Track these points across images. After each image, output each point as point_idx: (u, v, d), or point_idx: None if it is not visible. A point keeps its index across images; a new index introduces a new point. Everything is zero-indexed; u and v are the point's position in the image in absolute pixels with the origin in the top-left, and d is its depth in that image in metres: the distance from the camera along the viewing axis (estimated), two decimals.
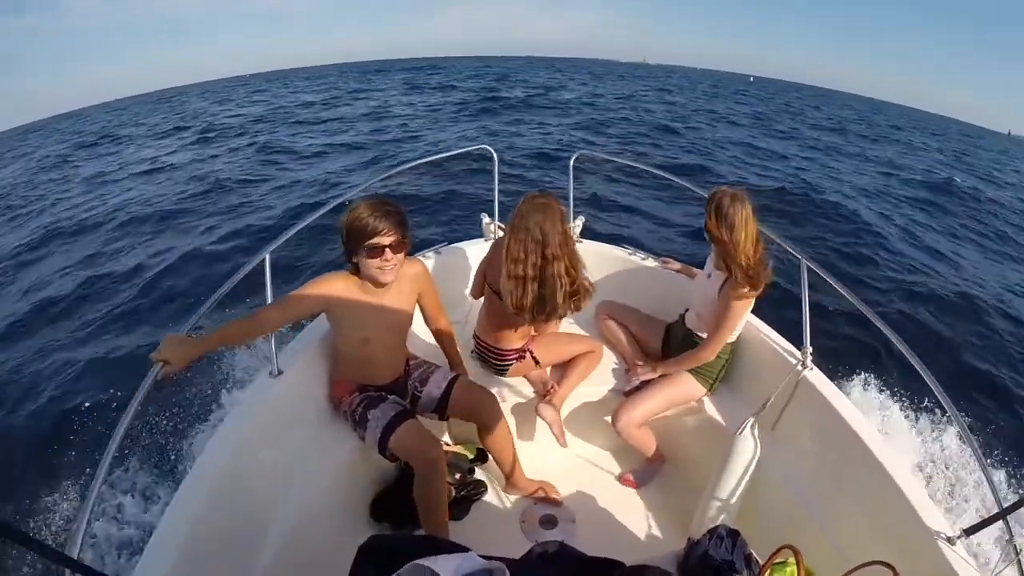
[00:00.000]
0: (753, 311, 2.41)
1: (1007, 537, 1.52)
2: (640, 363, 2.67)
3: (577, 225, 3.33)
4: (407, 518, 2.25)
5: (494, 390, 2.53)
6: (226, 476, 1.75)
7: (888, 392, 4.50)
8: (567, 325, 3.06)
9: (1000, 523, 1.54)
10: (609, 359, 2.85)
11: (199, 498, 1.64)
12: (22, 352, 5.74)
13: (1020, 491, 3.84)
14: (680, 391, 2.52)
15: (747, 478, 2.12)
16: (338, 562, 1.15)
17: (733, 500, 2.14)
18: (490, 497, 2.60)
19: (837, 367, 4.48)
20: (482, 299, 2.65)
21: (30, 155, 23.45)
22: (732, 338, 2.43)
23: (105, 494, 3.32)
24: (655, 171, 3.62)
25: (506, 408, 2.64)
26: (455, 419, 2.50)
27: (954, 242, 10.05)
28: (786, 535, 1.47)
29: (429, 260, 3.14)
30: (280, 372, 2.12)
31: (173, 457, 3.86)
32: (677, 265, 3.09)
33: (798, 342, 2.35)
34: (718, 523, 1.89)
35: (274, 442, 2.02)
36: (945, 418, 4.00)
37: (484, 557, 0.99)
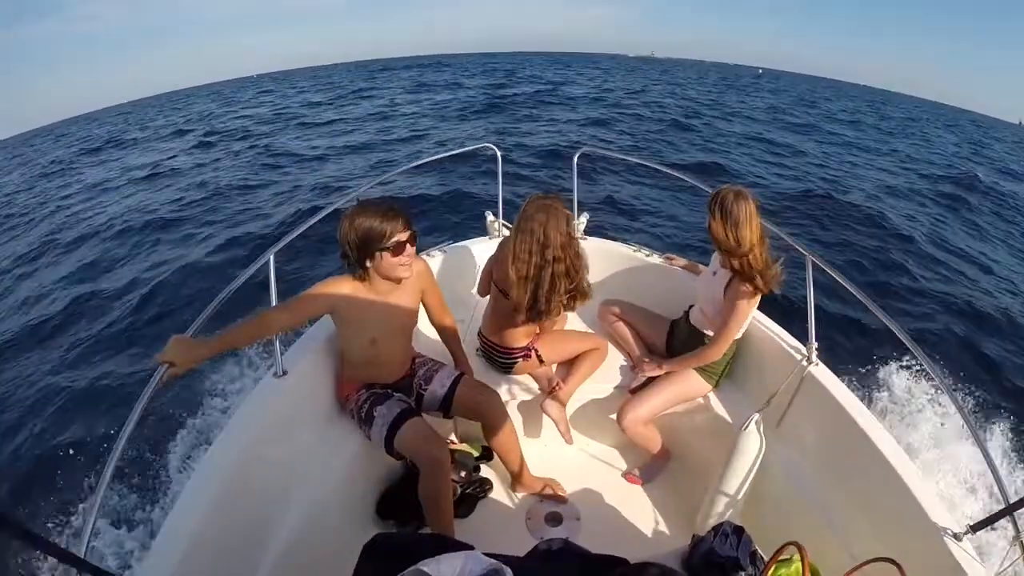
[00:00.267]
0: (758, 307, 2.38)
1: (1014, 534, 1.51)
2: (646, 360, 2.66)
3: (581, 222, 3.31)
4: (413, 516, 2.27)
5: (499, 388, 2.56)
6: (232, 475, 1.75)
7: (894, 387, 4.46)
8: (572, 323, 3.07)
9: (1007, 519, 1.51)
10: (614, 356, 2.84)
11: (205, 497, 1.64)
12: (14, 367, 5.72)
13: None
14: (685, 388, 2.51)
15: (752, 474, 2.12)
16: (344, 560, 1.15)
17: (738, 497, 2.13)
18: (496, 495, 2.60)
19: (843, 363, 4.44)
20: (487, 298, 2.67)
21: (34, 161, 23.58)
22: (738, 335, 2.41)
23: (111, 495, 3.34)
24: (659, 167, 3.61)
25: (512, 406, 2.66)
26: (460, 417, 2.50)
27: (983, 243, 9.75)
28: (791, 531, 1.46)
29: (434, 259, 3.15)
30: (285, 372, 2.12)
31: (179, 458, 3.87)
32: (682, 262, 3.09)
33: (803, 338, 2.34)
34: (723, 520, 1.90)
35: (280, 442, 2.03)
36: (952, 413, 3.97)
37: (488, 555, 0.99)
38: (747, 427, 2.09)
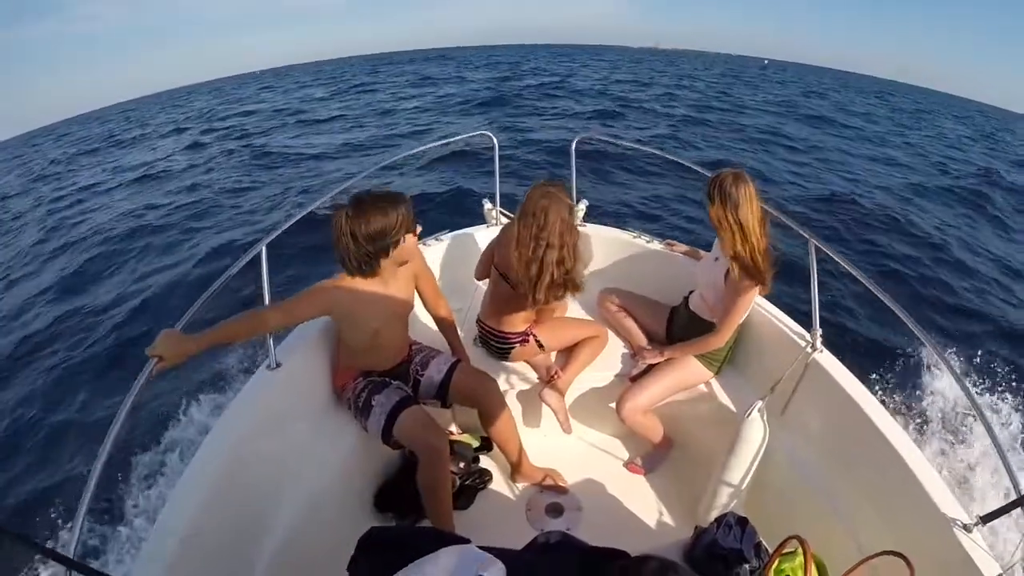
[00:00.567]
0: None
1: None
2: (646, 347, 2.65)
3: (581, 209, 3.27)
4: (411, 508, 2.26)
5: (498, 377, 2.52)
6: (226, 470, 1.73)
7: (902, 374, 4.37)
8: (572, 311, 3.01)
9: (1019, 510, 1.47)
10: (614, 344, 2.80)
11: (198, 493, 1.62)
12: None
13: None
14: (685, 375, 2.48)
15: (756, 464, 2.08)
16: (342, 555, 1.13)
17: (742, 486, 2.10)
18: (495, 486, 2.58)
19: (848, 349, 4.38)
20: (486, 285, 2.65)
21: (33, 162, 23.40)
22: (740, 321, 2.37)
23: (101, 492, 3.18)
24: (657, 152, 3.63)
25: (510, 395, 2.63)
26: (459, 407, 2.50)
27: (1011, 244, 9.27)
28: (796, 522, 1.48)
29: (432, 248, 3.14)
30: (278, 365, 2.09)
31: (171, 453, 3.83)
32: (683, 247, 3.05)
33: (807, 323, 2.30)
34: (726, 511, 1.85)
35: (275, 435, 2.00)
36: (962, 400, 3.87)
37: (485, 549, 0.98)
38: (750, 415, 2.04)
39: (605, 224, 3.47)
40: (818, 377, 2.16)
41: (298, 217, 2.63)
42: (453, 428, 2.72)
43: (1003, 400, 4.25)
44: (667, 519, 2.42)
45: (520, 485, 2.57)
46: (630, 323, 2.79)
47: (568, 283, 2.29)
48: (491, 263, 2.55)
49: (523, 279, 2.27)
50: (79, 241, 9.49)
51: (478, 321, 2.68)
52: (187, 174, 13.36)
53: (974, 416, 1.86)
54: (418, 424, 2.10)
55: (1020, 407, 4.21)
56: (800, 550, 1.29)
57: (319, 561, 1.81)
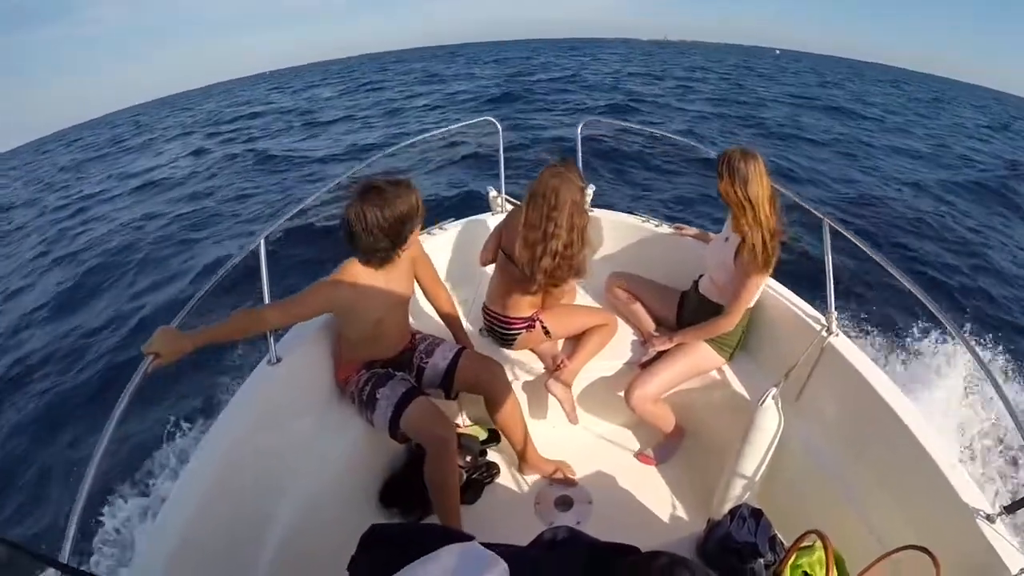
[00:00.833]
0: (773, 274, 2.27)
1: None
2: (655, 333, 2.60)
3: (588, 194, 3.14)
4: (418, 503, 2.24)
5: (503, 367, 2.45)
6: (227, 468, 1.70)
7: (920, 358, 4.21)
8: (580, 298, 2.98)
9: None
10: (623, 331, 2.73)
11: (199, 491, 1.59)
12: None
13: None
14: (696, 361, 2.42)
15: (770, 453, 2.00)
16: (347, 552, 1.11)
17: (756, 477, 2.03)
18: (503, 479, 2.53)
19: (865, 332, 4.32)
20: (491, 273, 2.60)
21: (40, 170, 23.46)
22: (750, 303, 2.30)
23: (96, 493, 3.11)
24: (664, 134, 3.67)
25: (516, 386, 2.56)
26: (465, 396, 2.46)
27: None
28: (812, 514, 1.49)
29: (436, 237, 3.12)
30: (279, 359, 2.05)
31: (170, 450, 3.79)
32: (692, 231, 2.99)
33: (822, 307, 2.24)
34: (740, 502, 1.81)
35: (276, 430, 1.97)
36: (983, 385, 3.75)
37: (488, 545, 0.96)
38: (764, 402, 1.96)
39: (612, 209, 3.40)
40: (834, 362, 2.09)
41: (297, 209, 2.62)
42: (459, 420, 2.68)
43: None
44: (679, 511, 2.37)
45: (528, 478, 2.51)
46: (639, 309, 2.73)
47: (573, 266, 2.24)
48: (497, 247, 2.50)
49: (528, 260, 2.23)
50: (77, 253, 9.28)
51: (484, 309, 2.61)
52: (190, 181, 13.03)
53: (999, 400, 1.64)
54: (426, 415, 2.07)
55: None
56: (818, 544, 1.26)
57: (323, 558, 1.74)
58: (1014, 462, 3.34)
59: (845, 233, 2.21)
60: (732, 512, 1.62)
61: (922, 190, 10.33)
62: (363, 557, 1.08)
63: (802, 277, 2.60)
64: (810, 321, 2.24)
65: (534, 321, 2.50)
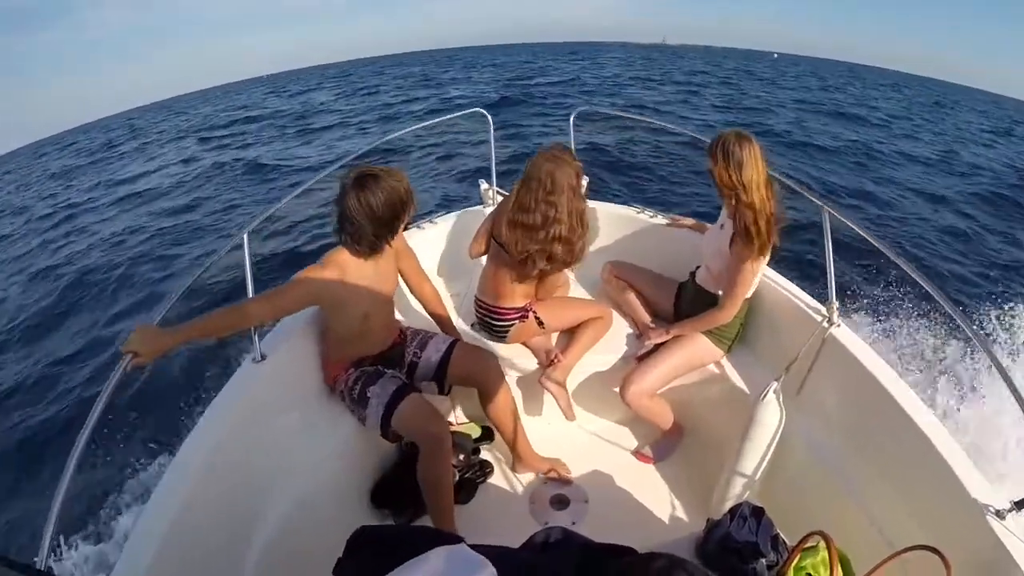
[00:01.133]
0: (770, 263, 2.21)
1: None
2: (651, 326, 2.54)
3: (583, 182, 3.14)
4: (410, 504, 2.19)
5: None
6: (212, 466, 1.65)
7: (924, 348, 4.18)
8: (574, 290, 2.95)
9: None
10: (619, 325, 2.68)
11: (181, 493, 1.55)
12: None
13: None
14: (693, 354, 2.35)
15: (771, 449, 1.95)
16: (336, 553, 1.08)
17: (757, 474, 1.98)
18: (497, 478, 2.47)
19: (867, 323, 4.28)
20: (483, 266, 2.53)
21: (31, 175, 23.21)
22: (748, 293, 2.24)
23: (74, 497, 3.16)
24: (658, 123, 3.64)
25: (509, 381, 2.47)
26: (457, 393, 2.42)
27: None
28: (816, 511, 1.50)
29: (426, 230, 3.07)
30: (263, 357, 1.99)
31: (152, 452, 3.71)
32: (689, 222, 2.91)
33: (822, 297, 2.17)
34: (741, 500, 1.77)
35: (262, 430, 1.91)
36: (990, 376, 3.70)
37: (480, 547, 0.92)
38: (764, 397, 1.92)
39: (607, 200, 3.36)
40: (836, 353, 2.03)
41: (278, 206, 2.59)
42: (452, 418, 2.64)
43: None
44: (678, 510, 2.32)
45: (523, 477, 2.46)
46: (636, 298, 2.67)
47: (574, 251, 2.21)
48: (488, 238, 2.44)
49: (515, 242, 2.19)
50: (56, 267, 8.85)
51: (475, 300, 2.56)
52: (176, 192, 12.51)
53: (1007, 390, 1.52)
54: (418, 412, 2.03)
55: None
56: (822, 545, 1.23)
57: (312, 560, 1.67)
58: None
59: (846, 221, 2.15)
60: (732, 511, 1.57)
61: (941, 202, 9.87)
62: (350, 560, 1.05)
63: (801, 266, 2.59)
64: (811, 312, 2.18)
65: (527, 312, 2.44)
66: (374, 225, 1.92)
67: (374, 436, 2.09)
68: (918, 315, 4.47)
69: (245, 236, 2.16)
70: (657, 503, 2.34)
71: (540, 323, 2.46)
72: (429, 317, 2.51)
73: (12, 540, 3.44)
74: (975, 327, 1.65)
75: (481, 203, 3.31)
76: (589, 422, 2.70)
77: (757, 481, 2.01)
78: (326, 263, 1.97)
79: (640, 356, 2.46)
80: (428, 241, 3.04)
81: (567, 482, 2.42)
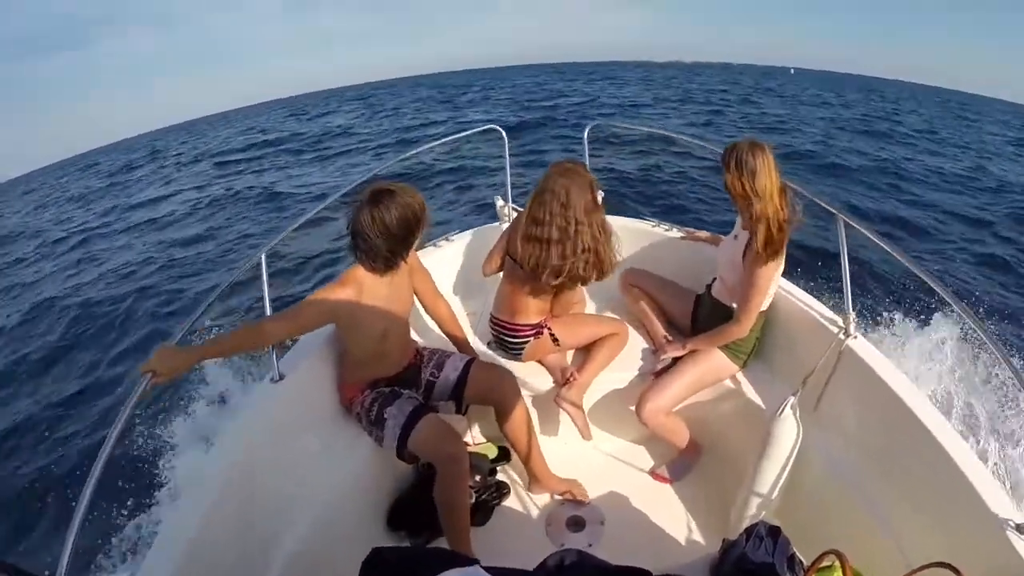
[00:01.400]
0: (785, 274, 2.19)
1: None
2: (668, 340, 2.51)
3: (598, 196, 3.13)
4: (426, 526, 2.19)
5: None
6: (230, 488, 1.67)
7: (944, 359, 4.04)
8: (591, 308, 2.92)
9: None
10: (635, 341, 2.65)
11: (201, 512, 1.56)
12: None
13: None
14: (708, 370, 2.32)
15: (788, 467, 1.91)
16: (352, 574, 1.05)
17: (774, 492, 1.93)
18: (513, 500, 2.45)
19: (885, 335, 4.21)
20: (497, 284, 2.53)
21: (50, 196, 23.74)
22: (764, 306, 2.20)
23: (94, 514, 3.12)
24: (672, 135, 3.59)
25: (525, 400, 2.45)
26: (473, 412, 2.41)
27: None
28: (834, 530, 1.46)
29: (443, 248, 3.06)
30: (281, 377, 2.00)
31: (171, 471, 3.70)
32: (705, 235, 2.89)
33: (839, 308, 2.13)
34: (757, 520, 1.75)
35: (280, 450, 1.92)
36: (1011, 387, 3.61)
37: (492, 570, 0.91)
38: (781, 412, 1.87)
39: (622, 215, 3.30)
40: (853, 366, 1.99)
41: (296, 225, 2.57)
42: (468, 438, 2.61)
43: None
44: (694, 531, 2.27)
45: (539, 498, 2.44)
46: (653, 310, 2.65)
47: (601, 260, 2.18)
48: (502, 255, 2.43)
49: (535, 258, 2.15)
50: (63, 298, 8.70)
51: (491, 318, 2.55)
52: (190, 219, 12.62)
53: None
54: (435, 432, 2.01)
55: None
56: (837, 564, 1.21)
57: None
58: None
59: (862, 229, 2.11)
60: (748, 531, 1.56)
61: (976, 225, 9.27)
62: None
63: (817, 277, 2.54)
64: (826, 323, 2.15)
65: (542, 328, 2.43)
66: (388, 242, 1.92)
67: (390, 457, 2.09)
68: (940, 327, 4.32)
69: (262, 256, 2.17)
70: (673, 524, 2.30)
71: (555, 340, 2.44)
72: (444, 336, 2.49)
73: (30, 561, 3.34)
74: (1004, 349, 1.61)
75: (497, 220, 3.28)
76: (605, 441, 2.68)
77: (774, 499, 1.96)
78: (343, 280, 1.98)
79: (657, 372, 2.43)
80: (444, 259, 3.03)
81: (583, 503, 2.39)
